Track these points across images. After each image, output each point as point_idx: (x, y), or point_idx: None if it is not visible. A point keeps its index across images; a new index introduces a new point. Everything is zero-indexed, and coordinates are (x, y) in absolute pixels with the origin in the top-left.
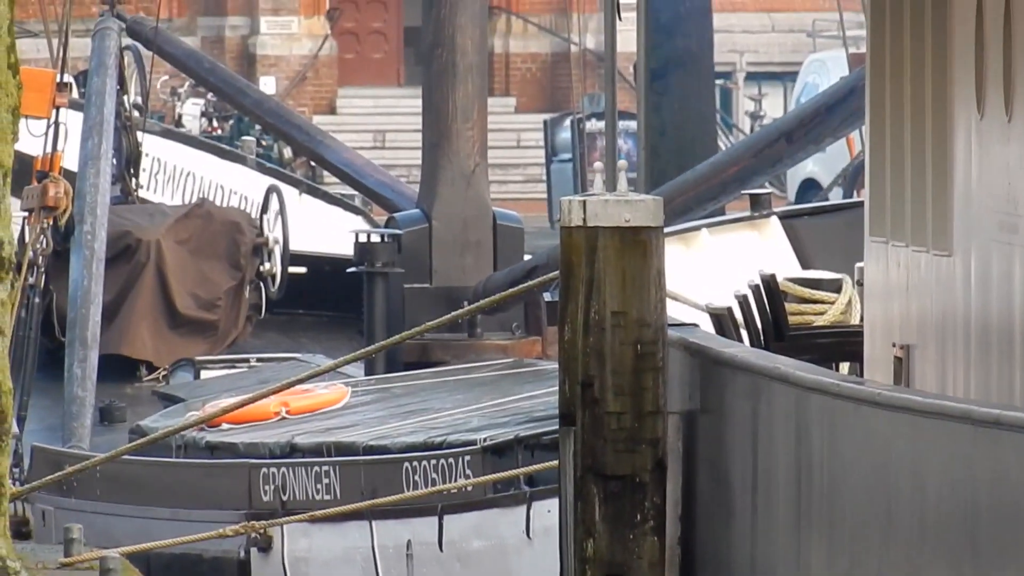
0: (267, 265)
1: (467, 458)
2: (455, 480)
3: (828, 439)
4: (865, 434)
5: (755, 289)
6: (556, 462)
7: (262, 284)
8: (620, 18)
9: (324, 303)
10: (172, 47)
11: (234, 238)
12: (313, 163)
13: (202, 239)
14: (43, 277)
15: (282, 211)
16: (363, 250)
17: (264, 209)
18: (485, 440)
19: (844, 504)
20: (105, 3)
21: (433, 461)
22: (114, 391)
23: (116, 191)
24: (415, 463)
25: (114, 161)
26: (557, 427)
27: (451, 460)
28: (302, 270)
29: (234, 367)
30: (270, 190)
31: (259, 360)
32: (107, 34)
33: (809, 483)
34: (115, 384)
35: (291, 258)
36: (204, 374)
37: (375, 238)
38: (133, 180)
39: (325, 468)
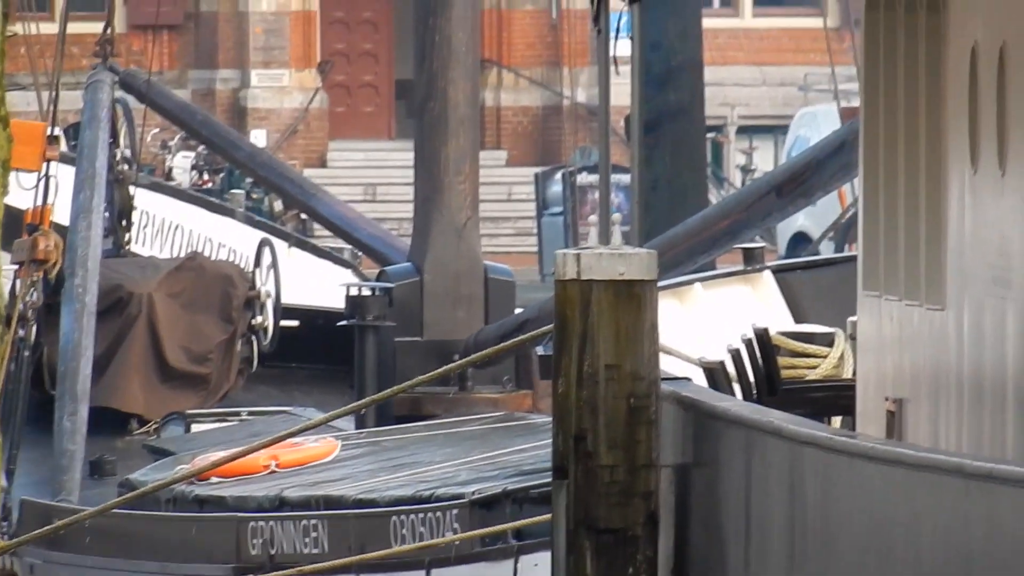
0: (259, 318)
1: (455, 512)
2: (443, 534)
3: (822, 493)
4: (859, 488)
5: (748, 343)
6: (544, 516)
7: (254, 337)
8: (618, 72)
9: (316, 356)
10: (165, 100)
11: (226, 291)
12: (304, 216)
13: (194, 292)
14: (33, 330)
15: (274, 264)
16: (354, 303)
17: (256, 262)
18: (474, 494)
19: (838, 558)
20: (98, 56)
21: (421, 515)
22: (105, 444)
23: (108, 244)
24: (403, 517)
25: (106, 214)
26: (546, 481)
27: (439, 514)
28: (294, 323)
29: (225, 420)
30: (262, 243)
31: (250, 414)
32: (100, 87)
33: (803, 537)
34: (106, 437)
35: (283, 311)
36: (195, 427)
37: (366, 291)
38: (125, 233)
39: (313, 522)
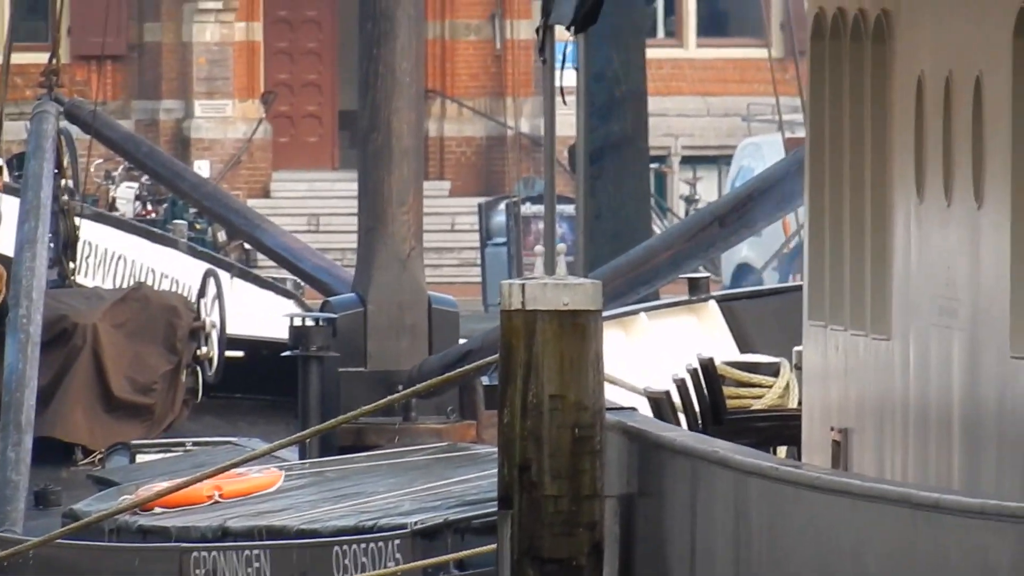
0: (204, 349)
1: (397, 542)
2: (385, 564)
3: (767, 523)
4: (805, 518)
5: (693, 373)
6: (486, 547)
7: (199, 368)
8: (564, 102)
9: (262, 387)
10: (110, 131)
11: (171, 322)
12: (247, 247)
13: (139, 323)
14: None
15: (219, 295)
16: (298, 334)
17: (201, 293)
18: (416, 524)
19: None
20: (43, 87)
21: (363, 545)
22: (50, 475)
23: (53, 275)
24: (346, 547)
25: (51, 245)
26: (488, 511)
27: (381, 544)
28: (239, 354)
29: (170, 451)
30: (207, 274)
31: (195, 444)
32: (45, 117)
33: (749, 568)
34: (51, 468)
35: (228, 342)
36: (140, 458)
37: (310, 322)
38: (70, 264)
39: (256, 552)
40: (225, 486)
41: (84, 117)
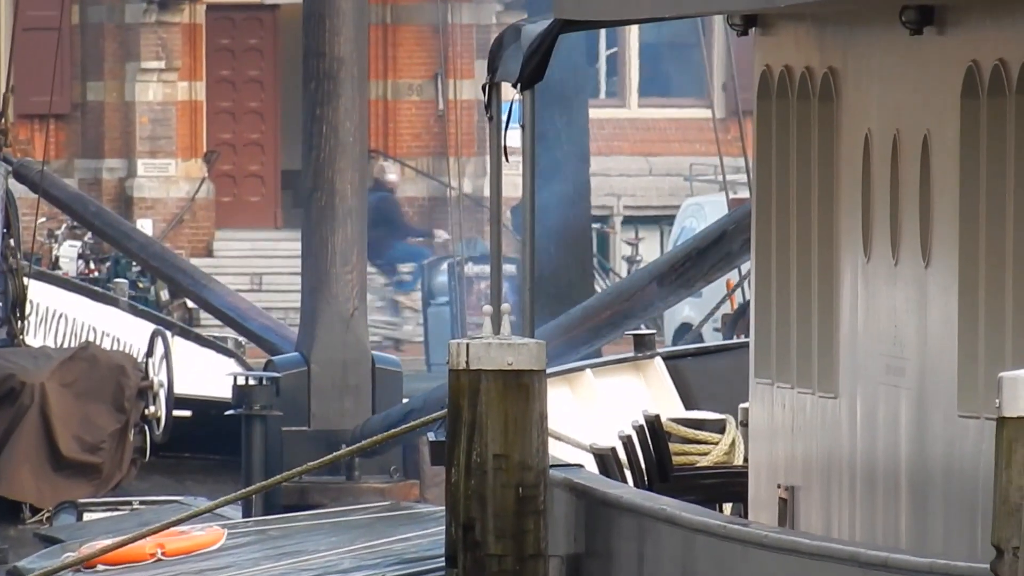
0: (152, 408)
1: None
2: None
3: None
4: None
5: (639, 429)
6: None
7: (147, 427)
8: (507, 160)
9: (209, 446)
10: (58, 190)
11: (119, 381)
12: (190, 306)
13: (87, 382)
14: None
15: (167, 355)
16: (241, 393)
17: (149, 353)
18: None
19: None
20: None
21: None
22: None
23: (2, 334)
24: None
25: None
26: (427, 568)
27: None
28: (187, 413)
29: (117, 509)
30: (155, 334)
31: (142, 503)
32: None
33: None
34: None
35: (176, 402)
36: (87, 516)
37: (253, 381)
38: (19, 323)
39: None
40: (168, 544)
41: (32, 177)
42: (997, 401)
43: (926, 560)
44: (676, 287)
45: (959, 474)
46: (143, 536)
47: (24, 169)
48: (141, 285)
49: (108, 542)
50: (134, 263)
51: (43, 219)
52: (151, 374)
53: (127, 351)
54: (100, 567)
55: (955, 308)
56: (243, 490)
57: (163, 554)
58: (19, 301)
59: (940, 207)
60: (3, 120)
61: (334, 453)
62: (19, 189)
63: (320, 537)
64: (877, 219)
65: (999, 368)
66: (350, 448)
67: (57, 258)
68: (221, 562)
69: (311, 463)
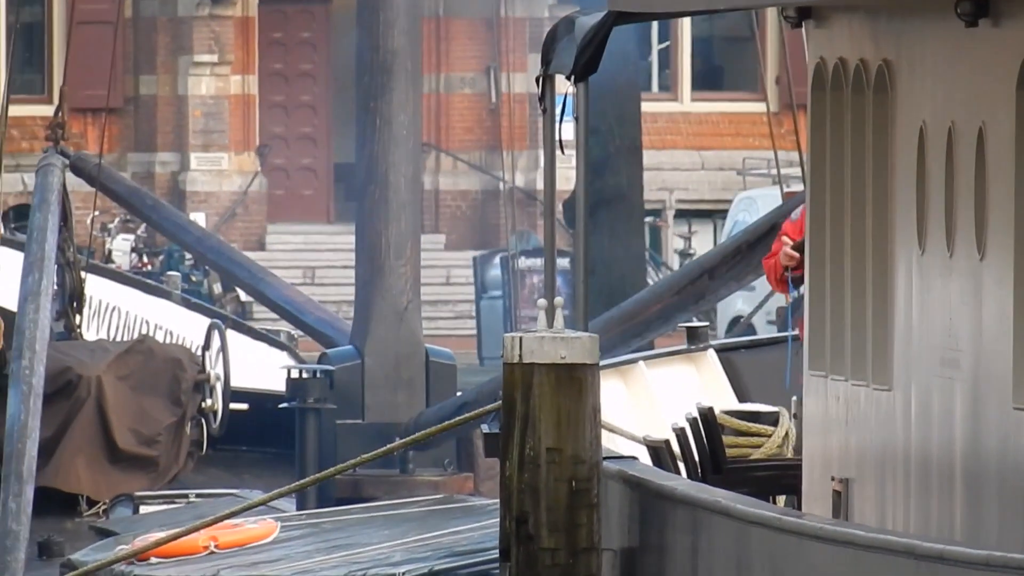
0: (209, 401)
1: None
2: None
3: (770, 573)
4: (807, 568)
5: (692, 422)
6: None
7: (204, 420)
8: (563, 152)
9: (266, 439)
10: (115, 183)
11: (175, 374)
12: (243, 299)
13: (143, 375)
14: None
15: (223, 348)
16: (295, 386)
17: (206, 345)
18: (404, 574)
19: None
20: (49, 139)
21: None
22: (54, 526)
23: (60, 327)
24: None
25: (57, 297)
26: (475, 561)
27: None
28: (244, 406)
29: (173, 502)
30: (212, 327)
31: (198, 496)
32: (50, 170)
33: None
34: (55, 519)
35: (233, 394)
36: (143, 509)
37: (307, 374)
38: (77, 317)
39: None
40: (221, 537)
41: (89, 170)
42: None
43: (982, 553)
44: (727, 280)
45: (1014, 466)
46: (196, 529)
47: (81, 162)
48: (194, 279)
49: (161, 535)
50: (187, 256)
51: (96, 213)
52: (208, 367)
53: (180, 344)
54: (153, 560)
55: (1010, 300)
56: (296, 483)
57: (216, 547)
58: (76, 294)
59: (995, 199)
60: (60, 114)
61: (388, 446)
62: (71, 183)
63: (373, 530)
64: (932, 211)
65: None
66: (404, 440)
67: (110, 252)
68: (273, 555)
69: (365, 456)
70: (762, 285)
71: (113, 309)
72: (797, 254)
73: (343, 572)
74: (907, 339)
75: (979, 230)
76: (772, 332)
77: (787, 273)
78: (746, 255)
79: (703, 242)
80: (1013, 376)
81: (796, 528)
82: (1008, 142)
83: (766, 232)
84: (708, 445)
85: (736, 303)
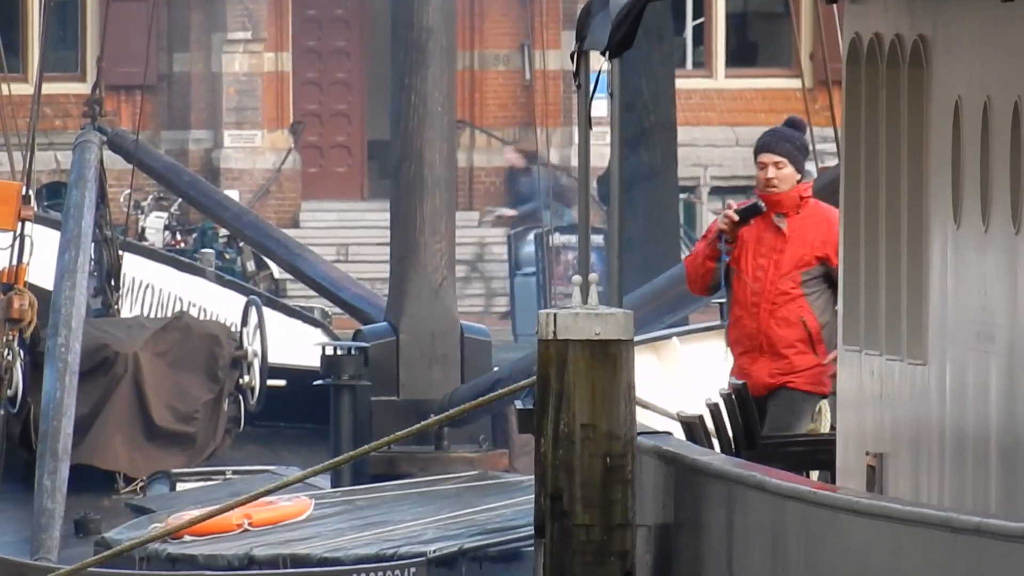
0: (246, 378)
1: (413, 570)
2: None
3: (805, 548)
4: (843, 542)
5: (726, 397)
6: None
7: (241, 397)
8: (591, 127)
9: (303, 415)
10: (152, 160)
11: (212, 351)
12: (277, 276)
13: (180, 352)
14: (10, 389)
15: (261, 324)
16: (330, 363)
17: (243, 322)
18: (433, 552)
19: None
20: (86, 116)
21: (381, 573)
22: (91, 503)
23: (97, 304)
24: (363, 575)
25: (95, 274)
26: (506, 539)
27: (398, 572)
28: (282, 383)
29: (210, 479)
30: (249, 303)
31: (235, 472)
32: (88, 147)
33: None
34: (92, 496)
35: (270, 371)
36: (180, 486)
37: (342, 351)
38: (114, 293)
39: None
40: (255, 515)
41: (127, 147)
42: None
43: (1020, 525)
44: None
45: None
46: (230, 508)
47: (119, 139)
48: (227, 256)
49: (195, 513)
50: (220, 234)
51: (129, 190)
52: (245, 343)
53: (217, 321)
54: (187, 538)
55: None
56: (331, 461)
57: (250, 524)
58: (114, 271)
59: None
60: (97, 91)
61: (423, 422)
62: (105, 160)
63: (407, 507)
64: (967, 186)
65: None
66: (438, 417)
67: (143, 229)
68: (307, 532)
69: (400, 432)
70: None
71: (147, 287)
72: (737, 217)
73: (374, 550)
74: (942, 314)
75: (1015, 204)
76: None
77: (721, 244)
78: None
79: None
80: None
81: (831, 502)
82: None
83: None
84: (742, 420)
85: None
